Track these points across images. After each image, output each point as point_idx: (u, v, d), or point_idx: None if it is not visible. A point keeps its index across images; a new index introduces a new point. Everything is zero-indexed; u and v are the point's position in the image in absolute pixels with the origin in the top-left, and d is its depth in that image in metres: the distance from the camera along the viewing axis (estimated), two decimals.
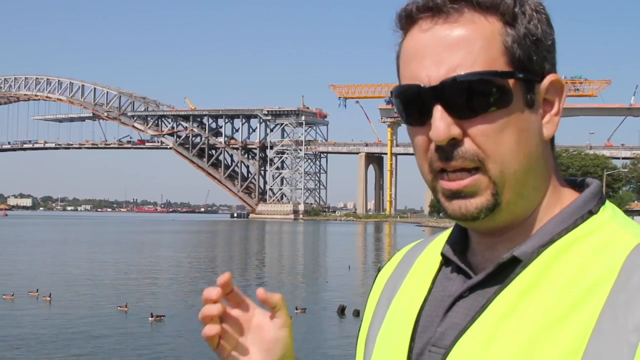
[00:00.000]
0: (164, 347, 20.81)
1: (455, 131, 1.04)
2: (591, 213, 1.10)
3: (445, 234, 1.26)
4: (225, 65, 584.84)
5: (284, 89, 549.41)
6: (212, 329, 1.13)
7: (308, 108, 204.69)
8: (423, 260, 1.26)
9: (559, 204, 1.12)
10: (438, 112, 1.04)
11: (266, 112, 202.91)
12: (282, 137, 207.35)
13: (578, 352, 0.94)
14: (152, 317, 24.81)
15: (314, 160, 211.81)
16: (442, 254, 1.20)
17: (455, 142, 1.05)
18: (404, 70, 1.10)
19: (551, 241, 1.07)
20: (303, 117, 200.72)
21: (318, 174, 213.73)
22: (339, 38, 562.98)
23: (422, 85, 1.06)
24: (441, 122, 1.04)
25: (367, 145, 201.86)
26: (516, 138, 1.05)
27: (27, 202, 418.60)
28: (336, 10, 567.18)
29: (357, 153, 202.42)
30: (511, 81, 1.05)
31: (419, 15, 1.08)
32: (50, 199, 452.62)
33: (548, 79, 1.09)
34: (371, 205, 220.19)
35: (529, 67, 1.07)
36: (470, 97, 1.04)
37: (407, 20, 1.10)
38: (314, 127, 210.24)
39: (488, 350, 1.01)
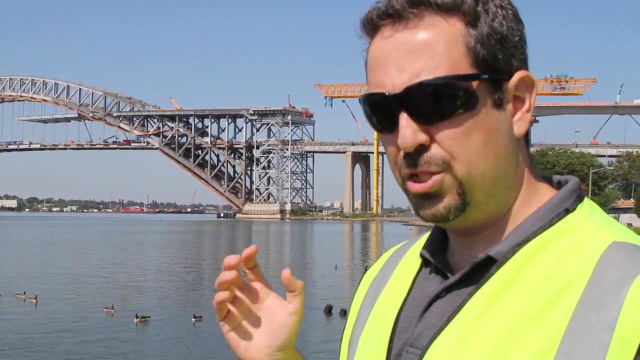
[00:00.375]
0: (149, 349, 20.80)
1: (422, 137, 1.04)
2: (568, 211, 1.09)
3: (428, 235, 1.25)
4: (211, 65, 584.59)
5: (270, 89, 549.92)
6: (223, 295, 1.14)
7: (294, 107, 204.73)
8: (406, 261, 1.26)
9: (535, 202, 1.11)
10: (404, 119, 1.04)
11: (252, 112, 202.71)
12: (269, 136, 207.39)
13: (550, 351, 0.94)
14: (137, 318, 24.74)
15: (300, 159, 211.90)
16: (421, 255, 1.20)
17: (422, 148, 1.04)
18: (370, 78, 1.09)
19: (526, 240, 1.06)
20: (289, 117, 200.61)
21: (305, 174, 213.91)
22: (325, 37, 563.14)
23: (386, 93, 1.05)
24: (407, 130, 1.03)
25: (353, 144, 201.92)
26: (483, 139, 1.04)
27: (13, 203, 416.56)
28: (322, 9, 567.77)
29: (344, 152, 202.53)
30: (475, 83, 1.04)
31: (380, 22, 1.07)
32: (35, 200, 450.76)
33: (517, 76, 1.07)
34: (358, 204, 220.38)
35: (494, 67, 1.05)
36: (435, 102, 1.03)
37: (370, 27, 1.10)
38: (301, 127, 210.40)
39: (462, 351, 1.01)
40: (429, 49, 1.03)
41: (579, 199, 1.11)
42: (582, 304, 0.95)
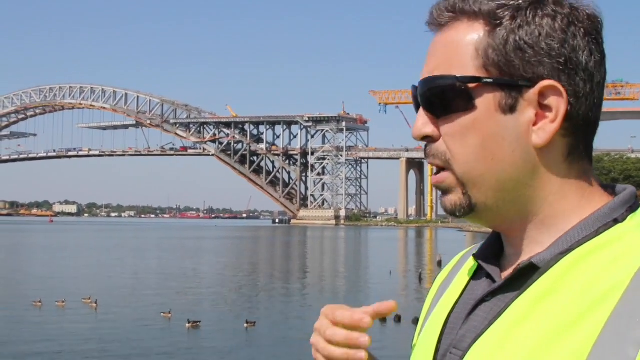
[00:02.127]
0: (201, 354, 21.13)
1: (428, 130, 1.09)
2: (616, 221, 1.07)
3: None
4: (265, 72, 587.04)
5: (325, 96, 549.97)
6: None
7: (348, 114, 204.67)
8: (467, 265, 1.28)
9: (588, 210, 1.09)
10: (420, 110, 1.11)
11: (307, 119, 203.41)
12: (323, 143, 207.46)
13: (581, 359, 0.93)
14: (189, 323, 25.07)
15: (354, 165, 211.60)
16: (474, 257, 1.22)
17: (430, 141, 1.10)
18: None
19: (570, 249, 1.05)
20: (344, 123, 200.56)
21: (359, 180, 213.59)
22: (379, 44, 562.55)
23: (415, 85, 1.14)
24: (419, 120, 1.10)
25: (407, 150, 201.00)
26: (481, 142, 1.06)
27: (72, 208, 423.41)
28: (376, 16, 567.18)
29: (398, 158, 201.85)
30: (474, 85, 1.06)
31: (429, 28, 1.15)
32: (94, 206, 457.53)
33: (539, 85, 1.06)
34: (412, 210, 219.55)
35: (508, 72, 1.06)
36: (435, 98, 1.08)
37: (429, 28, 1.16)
38: (355, 133, 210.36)
39: (498, 355, 1.02)
40: (445, 49, 1.10)
41: (631, 210, 1.09)
42: (615, 316, 0.94)
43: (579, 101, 1.06)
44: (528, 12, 1.06)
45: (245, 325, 25.03)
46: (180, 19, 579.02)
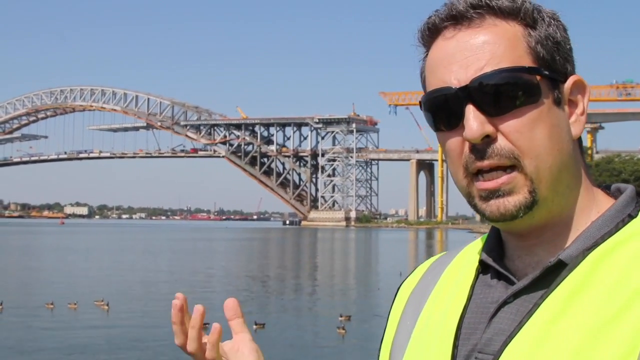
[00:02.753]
0: None
1: (489, 129, 1.06)
2: (631, 217, 1.11)
3: (475, 244, 1.28)
4: (276, 73, 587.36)
5: (335, 97, 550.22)
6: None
7: (359, 116, 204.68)
8: (454, 270, 1.27)
9: (595, 207, 1.13)
10: (470, 111, 1.07)
11: (317, 120, 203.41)
12: (333, 144, 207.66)
13: (633, 352, 0.94)
14: None
15: (365, 167, 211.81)
16: (482, 261, 1.21)
17: (489, 141, 1.07)
18: (432, 79, 1.14)
19: (595, 244, 1.07)
20: (354, 125, 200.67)
21: (369, 181, 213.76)
22: (389, 46, 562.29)
23: (452, 87, 1.09)
24: (475, 121, 1.06)
25: (417, 152, 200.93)
26: (548, 133, 1.07)
27: (84, 210, 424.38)
28: (386, 18, 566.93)
29: (408, 160, 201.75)
30: (538, 77, 1.08)
31: (443, 24, 1.12)
32: (105, 208, 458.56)
33: (571, 79, 1.12)
34: (422, 211, 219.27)
35: (552, 67, 1.10)
36: (500, 93, 1.05)
37: (430, 33, 1.15)
38: (365, 135, 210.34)
39: (538, 355, 1.01)
40: (492, 47, 1.08)
41: (638, 205, 1.14)
42: None
43: None
44: (543, 13, 1.12)
45: (255, 327, 25.14)
46: (190, 21, 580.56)
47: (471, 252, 1.28)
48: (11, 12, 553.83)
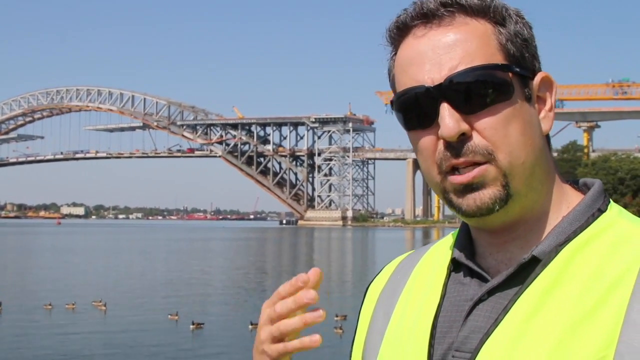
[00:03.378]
0: (206, 356, 21.23)
1: (464, 126, 1.07)
2: (601, 211, 1.12)
3: (444, 242, 1.29)
4: (272, 73, 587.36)
5: (331, 97, 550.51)
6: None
7: (355, 115, 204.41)
8: (424, 268, 1.27)
9: (565, 202, 1.14)
10: (446, 109, 1.07)
11: (313, 120, 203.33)
12: (330, 144, 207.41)
13: (611, 344, 0.96)
14: (193, 325, 25.18)
15: (361, 166, 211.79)
16: (454, 259, 1.21)
17: (464, 138, 1.08)
18: (403, 78, 1.14)
19: (568, 240, 1.08)
20: (350, 124, 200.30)
21: (366, 180, 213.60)
22: (385, 44, 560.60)
23: (426, 86, 1.09)
24: (450, 119, 1.07)
25: (414, 151, 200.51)
26: (522, 129, 1.09)
27: (80, 210, 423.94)
28: (382, 17, 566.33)
29: (405, 159, 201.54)
30: (510, 74, 1.09)
31: (413, 22, 1.13)
32: (102, 208, 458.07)
33: (539, 76, 1.13)
34: (419, 210, 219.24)
35: (522, 64, 1.11)
36: (474, 91, 1.07)
37: (399, 32, 1.15)
38: (361, 134, 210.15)
39: (516, 351, 1.02)
40: (464, 45, 1.09)
41: (607, 200, 1.15)
42: (636, 296, 0.99)
43: None
44: (510, 11, 1.14)
45: (250, 327, 25.17)
46: (186, 20, 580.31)
47: (441, 250, 1.27)
48: (7, 12, 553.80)
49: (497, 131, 1.07)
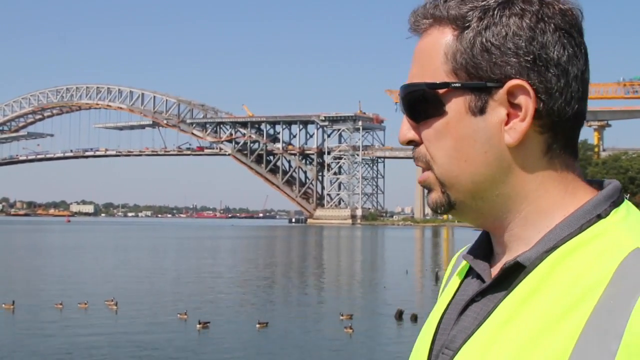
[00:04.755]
0: (213, 355, 21.22)
1: (411, 135, 1.13)
2: (599, 217, 1.07)
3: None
4: (282, 71, 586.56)
5: (341, 95, 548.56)
6: None
7: (365, 113, 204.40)
8: (462, 264, 1.29)
9: (571, 206, 1.09)
10: (404, 117, 1.14)
11: (323, 118, 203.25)
12: (339, 142, 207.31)
13: (563, 358, 0.94)
14: (199, 324, 25.15)
15: (371, 165, 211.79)
16: (463, 257, 1.23)
17: (415, 145, 1.14)
18: None
19: (555, 247, 1.05)
20: (360, 123, 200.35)
21: (375, 179, 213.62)
22: (395, 43, 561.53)
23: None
24: (403, 126, 1.14)
25: None
26: (453, 145, 1.09)
27: (89, 208, 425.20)
28: (392, 15, 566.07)
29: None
30: (443, 91, 1.09)
31: (413, 34, 1.17)
32: (111, 206, 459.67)
33: (507, 85, 1.06)
34: (429, 209, 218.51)
35: (477, 74, 1.07)
36: (412, 105, 1.11)
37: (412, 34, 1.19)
38: (371, 132, 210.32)
39: (487, 355, 1.02)
40: (421, 57, 1.13)
41: (615, 204, 1.09)
42: (597, 311, 0.95)
43: (552, 97, 1.06)
44: (495, 12, 1.07)
45: (257, 325, 25.10)
46: (196, 19, 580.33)
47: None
48: (17, 11, 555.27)
49: (431, 143, 1.10)
